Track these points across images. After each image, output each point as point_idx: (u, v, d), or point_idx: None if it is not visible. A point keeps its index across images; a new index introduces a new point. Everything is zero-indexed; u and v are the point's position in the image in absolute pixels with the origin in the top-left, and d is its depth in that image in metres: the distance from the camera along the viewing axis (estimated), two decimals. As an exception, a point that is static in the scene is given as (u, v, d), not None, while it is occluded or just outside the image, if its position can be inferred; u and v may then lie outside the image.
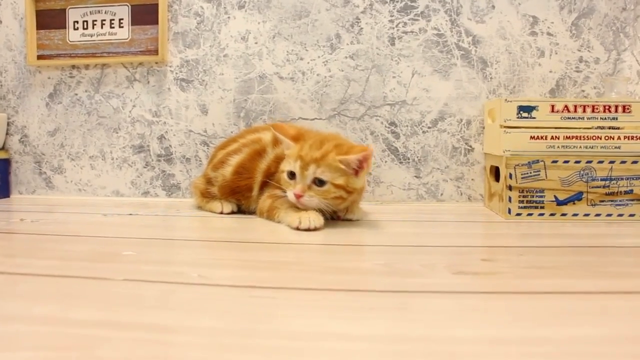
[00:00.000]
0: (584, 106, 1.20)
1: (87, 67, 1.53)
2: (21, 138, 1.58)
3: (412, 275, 0.70)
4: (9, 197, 1.58)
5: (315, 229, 1.01)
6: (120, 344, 0.46)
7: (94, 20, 1.51)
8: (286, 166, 1.07)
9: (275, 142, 1.19)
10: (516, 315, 0.55)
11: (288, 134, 1.10)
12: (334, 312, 0.55)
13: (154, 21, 1.47)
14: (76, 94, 1.54)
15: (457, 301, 0.59)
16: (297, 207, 1.07)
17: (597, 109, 1.20)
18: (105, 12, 1.50)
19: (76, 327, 0.50)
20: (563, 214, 1.19)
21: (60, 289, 0.63)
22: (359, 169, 1.05)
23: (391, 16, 1.42)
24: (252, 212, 1.22)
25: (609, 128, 1.20)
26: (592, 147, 1.20)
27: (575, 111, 1.21)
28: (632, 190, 1.18)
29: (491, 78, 1.41)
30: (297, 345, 0.46)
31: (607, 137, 1.20)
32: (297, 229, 1.01)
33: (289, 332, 0.50)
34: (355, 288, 0.64)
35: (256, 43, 1.46)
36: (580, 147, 1.20)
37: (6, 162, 1.58)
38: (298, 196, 1.03)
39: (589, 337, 0.49)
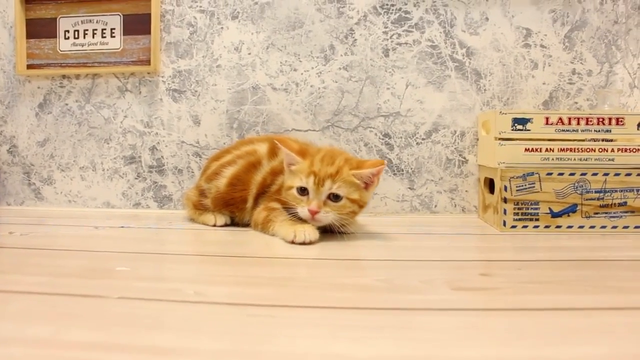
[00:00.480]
0: (578, 118, 1.21)
1: (77, 77, 1.52)
2: (10, 148, 1.56)
3: (412, 291, 0.69)
4: (-4, 208, 1.56)
5: (310, 243, 1.00)
6: (118, 367, 0.45)
7: (85, 30, 1.49)
8: (296, 182, 1.05)
9: (271, 154, 1.18)
10: (519, 333, 0.54)
11: (294, 149, 1.08)
12: (336, 332, 0.54)
13: (146, 31, 1.46)
14: (66, 104, 1.52)
15: (459, 319, 0.59)
16: (292, 220, 1.05)
17: (591, 121, 1.21)
18: (96, 22, 1.49)
19: (71, 349, 0.49)
20: (558, 226, 1.19)
21: (53, 308, 0.61)
22: (369, 183, 1.06)
23: (385, 27, 1.42)
24: (245, 225, 1.20)
25: (603, 140, 1.21)
26: (587, 160, 1.20)
27: (570, 123, 1.21)
28: (626, 203, 1.18)
29: (485, 90, 1.42)
30: (300, 368, 0.45)
31: (601, 150, 1.20)
32: (292, 242, 1.00)
33: (292, 353, 0.48)
34: (356, 306, 0.63)
35: (249, 54, 1.45)
36: (575, 159, 1.20)
37: (-6, 173, 1.56)
38: (314, 212, 1.02)
39: (594, 356, 0.49)
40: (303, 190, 1.04)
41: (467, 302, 0.65)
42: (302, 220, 1.05)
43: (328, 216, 1.03)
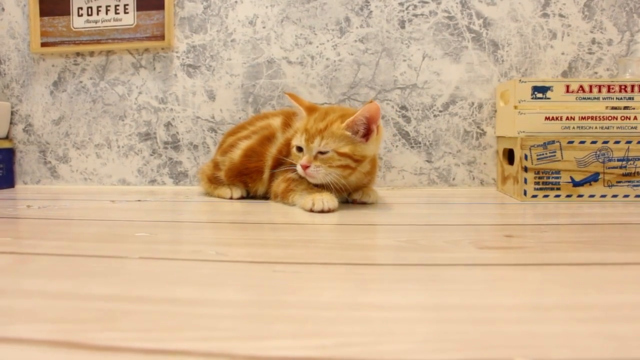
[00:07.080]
0: (600, 86, 1.18)
1: (91, 54, 1.51)
2: (25, 127, 1.56)
3: (437, 250, 0.68)
4: (13, 187, 1.56)
5: (329, 211, 0.99)
6: (143, 316, 0.44)
7: (98, 6, 1.48)
8: (295, 141, 1.07)
9: (285, 126, 1.17)
10: (553, 284, 0.53)
11: (303, 104, 1.10)
12: (364, 285, 0.53)
13: (160, 6, 1.44)
14: (81, 82, 1.52)
15: (490, 272, 0.57)
16: (311, 190, 1.05)
17: (612, 89, 1.18)
18: (109, -2, 1.48)
19: (94, 301, 0.48)
20: (579, 195, 1.17)
21: (74, 267, 0.61)
22: (367, 131, 1.03)
23: (401, -2, 1.40)
24: (260, 197, 1.20)
25: (624, 108, 1.18)
26: (608, 128, 1.17)
27: (591, 91, 1.18)
28: (649, 171, 1.16)
29: (503, 61, 1.39)
30: (331, 314, 0.44)
31: (623, 117, 1.17)
32: (311, 210, 1.00)
33: (321, 302, 0.47)
34: (382, 262, 0.62)
35: (264, 27, 1.43)
36: (596, 127, 1.17)
37: (10, 152, 1.56)
38: (304, 167, 1.02)
39: (629, 303, 0.47)
40: (300, 149, 1.06)
41: (496, 259, 0.63)
42: (318, 188, 1.05)
43: (319, 170, 1.02)
